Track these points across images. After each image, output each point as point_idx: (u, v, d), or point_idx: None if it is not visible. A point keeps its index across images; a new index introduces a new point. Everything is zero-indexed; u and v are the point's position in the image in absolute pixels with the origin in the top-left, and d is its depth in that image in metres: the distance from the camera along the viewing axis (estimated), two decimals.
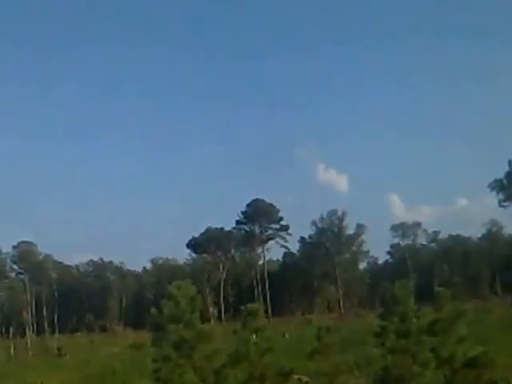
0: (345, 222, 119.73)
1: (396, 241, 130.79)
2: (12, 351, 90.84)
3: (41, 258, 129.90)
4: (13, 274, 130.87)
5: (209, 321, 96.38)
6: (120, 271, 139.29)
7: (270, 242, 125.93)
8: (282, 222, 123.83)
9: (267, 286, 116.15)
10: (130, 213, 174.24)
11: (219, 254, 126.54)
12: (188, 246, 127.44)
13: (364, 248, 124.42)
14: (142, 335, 67.66)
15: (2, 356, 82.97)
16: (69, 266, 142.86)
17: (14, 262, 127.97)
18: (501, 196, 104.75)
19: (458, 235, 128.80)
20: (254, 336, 18.65)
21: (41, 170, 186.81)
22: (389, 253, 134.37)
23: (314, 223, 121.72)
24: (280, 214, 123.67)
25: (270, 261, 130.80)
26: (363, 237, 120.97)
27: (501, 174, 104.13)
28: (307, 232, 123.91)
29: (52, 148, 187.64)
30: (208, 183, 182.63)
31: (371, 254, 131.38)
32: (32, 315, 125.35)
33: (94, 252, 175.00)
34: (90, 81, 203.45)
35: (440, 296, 18.74)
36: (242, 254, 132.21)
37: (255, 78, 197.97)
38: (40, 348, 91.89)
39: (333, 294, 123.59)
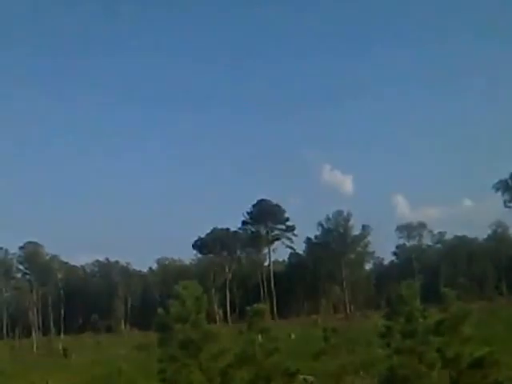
0: (350, 223, 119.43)
1: (402, 241, 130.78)
2: (18, 351, 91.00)
3: (47, 258, 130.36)
4: (19, 275, 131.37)
5: (215, 321, 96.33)
6: (126, 271, 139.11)
7: (276, 243, 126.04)
8: (288, 223, 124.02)
9: (273, 286, 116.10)
10: (135, 213, 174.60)
11: (225, 254, 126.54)
12: (194, 246, 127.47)
13: (370, 249, 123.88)
14: (147, 335, 67.61)
15: (7, 356, 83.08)
16: (75, 266, 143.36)
17: (21, 263, 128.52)
18: (506, 197, 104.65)
19: (464, 236, 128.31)
20: (260, 336, 18.67)
21: (47, 171, 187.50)
22: (394, 253, 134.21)
23: (319, 224, 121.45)
24: (286, 215, 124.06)
25: (275, 261, 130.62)
26: (369, 237, 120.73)
27: (505, 175, 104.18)
28: (313, 233, 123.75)
29: (58, 149, 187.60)
30: (214, 184, 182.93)
31: (377, 254, 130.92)
32: (38, 315, 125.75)
33: (100, 252, 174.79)
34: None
35: (446, 296, 18.78)
36: (248, 255, 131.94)
37: (263, 79, 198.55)
38: (46, 348, 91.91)
39: (339, 294, 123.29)
